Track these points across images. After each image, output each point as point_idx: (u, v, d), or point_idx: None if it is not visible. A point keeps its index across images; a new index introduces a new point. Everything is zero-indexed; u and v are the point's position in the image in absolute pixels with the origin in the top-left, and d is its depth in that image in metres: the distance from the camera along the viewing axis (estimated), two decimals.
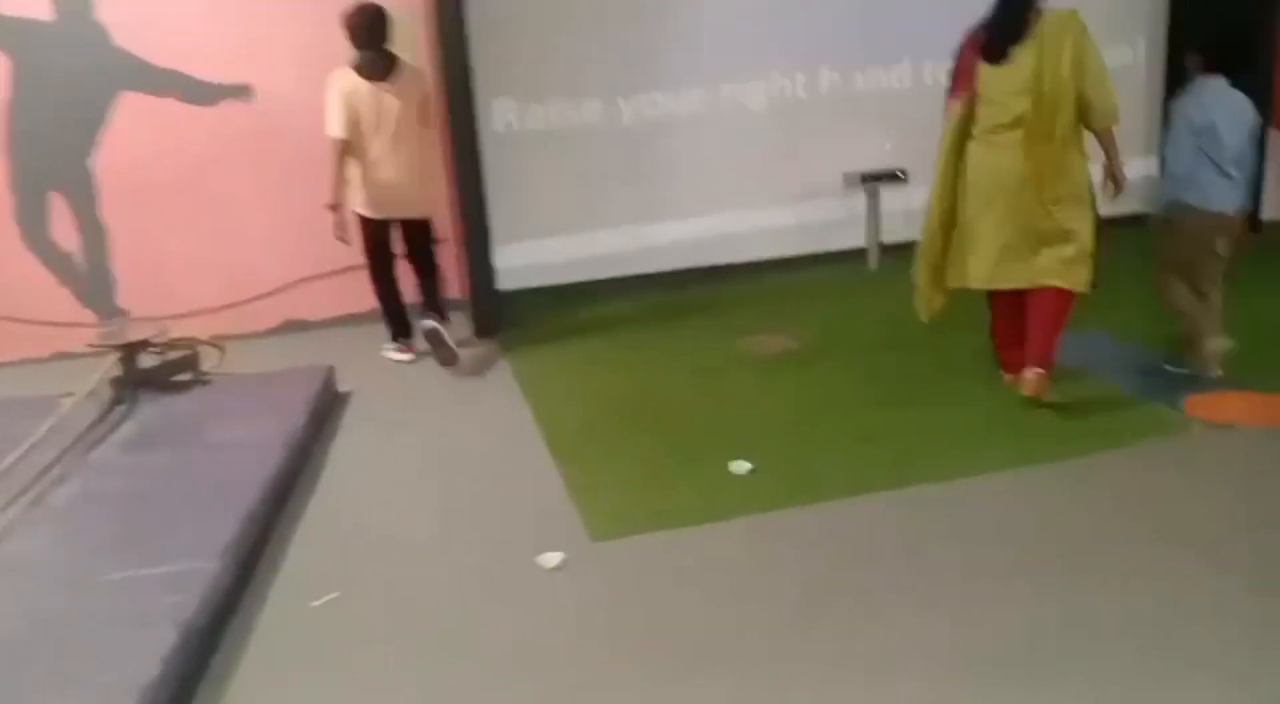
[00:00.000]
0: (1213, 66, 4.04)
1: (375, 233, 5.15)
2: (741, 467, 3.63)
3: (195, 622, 2.67)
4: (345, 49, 5.01)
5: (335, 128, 4.88)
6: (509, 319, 5.84)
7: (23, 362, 5.70)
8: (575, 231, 6.37)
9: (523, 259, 6.27)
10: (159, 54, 5.59)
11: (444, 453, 4.12)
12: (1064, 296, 3.95)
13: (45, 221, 5.72)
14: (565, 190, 6.31)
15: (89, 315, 5.84)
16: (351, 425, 4.48)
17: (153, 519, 3.23)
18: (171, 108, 5.67)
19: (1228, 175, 4.02)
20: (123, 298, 5.88)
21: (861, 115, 6.55)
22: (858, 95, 6.58)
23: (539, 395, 4.62)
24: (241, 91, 5.74)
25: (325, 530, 3.48)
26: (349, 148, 4.93)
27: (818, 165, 6.51)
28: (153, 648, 2.49)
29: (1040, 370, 3.90)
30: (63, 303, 5.81)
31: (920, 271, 4.20)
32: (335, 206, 4.95)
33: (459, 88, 5.44)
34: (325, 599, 2.98)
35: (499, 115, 6.13)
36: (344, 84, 4.89)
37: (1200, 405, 3.95)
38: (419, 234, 5.27)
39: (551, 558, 3.08)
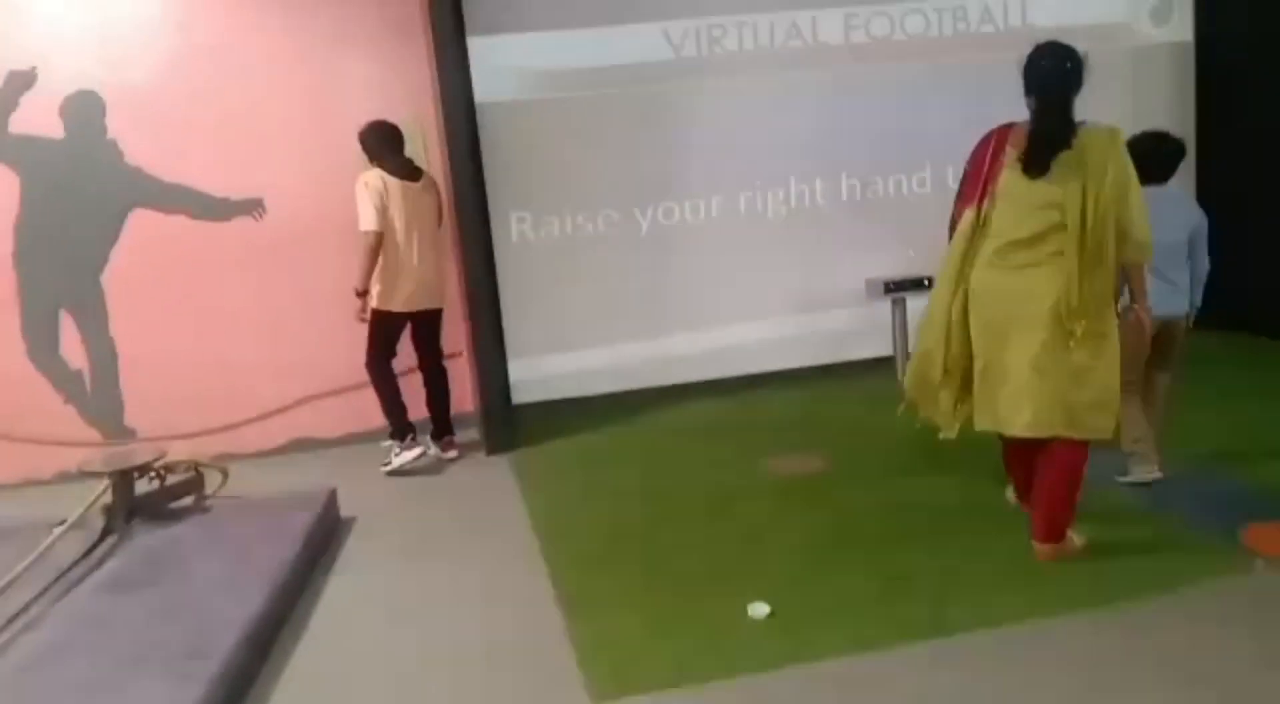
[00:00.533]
0: (1146, 177, 3.89)
1: (392, 325, 5.28)
2: (760, 610, 3.35)
3: None
4: (355, 162, 5.21)
5: (368, 222, 5.05)
6: (521, 435, 5.65)
7: (25, 483, 5.56)
8: (592, 344, 6.22)
9: (537, 372, 6.12)
10: (170, 170, 5.58)
11: (444, 593, 3.84)
12: (1080, 448, 3.51)
13: (54, 338, 5.65)
14: (582, 301, 6.18)
15: (94, 434, 5.72)
16: (351, 557, 4.25)
17: (116, 677, 2.98)
18: (179, 221, 5.63)
19: (1170, 282, 4.01)
20: (131, 417, 5.76)
21: (883, 222, 6.39)
22: (878, 201, 6.43)
23: (547, 526, 4.37)
24: (254, 206, 5.71)
25: (308, 684, 3.21)
26: (380, 241, 5.07)
27: (839, 273, 6.34)
28: None
29: (1050, 546, 3.55)
30: (68, 421, 5.69)
31: (911, 388, 3.82)
32: (362, 293, 5.12)
33: (469, 198, 5.40)
34: None
35: (515, 226, 6.06)
36: (377, 183, 5.08)
37: (1262, 537, 3.60)
38: (432, 325, 5.43)
39: None
